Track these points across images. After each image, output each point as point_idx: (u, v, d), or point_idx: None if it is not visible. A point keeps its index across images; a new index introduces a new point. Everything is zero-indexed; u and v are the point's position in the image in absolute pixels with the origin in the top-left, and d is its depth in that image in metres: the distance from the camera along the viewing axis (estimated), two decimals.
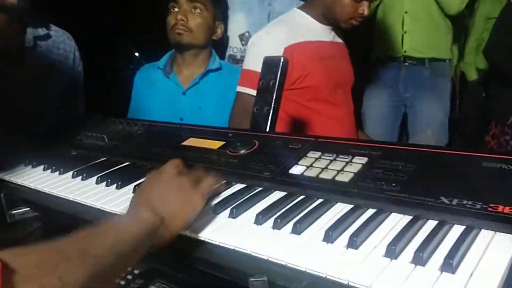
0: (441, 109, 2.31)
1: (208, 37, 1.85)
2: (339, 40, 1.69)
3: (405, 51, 2.28)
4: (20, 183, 0.94)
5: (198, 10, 1.74)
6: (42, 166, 0.99)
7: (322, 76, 1.55)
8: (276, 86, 1.04)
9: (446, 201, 0.59)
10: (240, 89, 1.55)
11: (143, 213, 0.61)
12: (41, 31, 1.37)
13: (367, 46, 2.44)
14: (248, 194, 0.73)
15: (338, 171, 0.72)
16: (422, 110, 2.30)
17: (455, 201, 0.58)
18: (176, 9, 1.74)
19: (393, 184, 0.65)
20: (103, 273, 0.49)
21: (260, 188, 0.75)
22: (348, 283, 0.50)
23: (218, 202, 0.71)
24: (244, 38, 2.10)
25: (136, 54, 3.38)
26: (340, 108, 1.64)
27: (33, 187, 0.91)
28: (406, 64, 2.29)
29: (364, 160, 0.73)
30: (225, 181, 0.78)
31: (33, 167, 1.00)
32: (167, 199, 0.65)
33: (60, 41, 1.44)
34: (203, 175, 0.73)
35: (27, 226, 1.18)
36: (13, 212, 0.96)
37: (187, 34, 1.75)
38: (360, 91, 2.33)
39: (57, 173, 0.94)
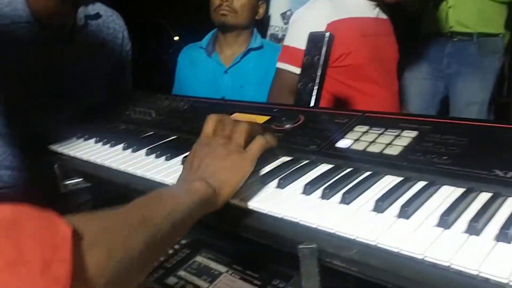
0: (483, 89, 2.21)
1: (252, 17, 1.85)
2: (384, 16, 1.65)
3: (450, 27, 2.21)
4: (73, 155, 0.99)
5: None
6: (93, 139, 1.03)
7: (365, 54, 1.52)
8: (321, 62, 1.03)
9: (500, 173, 0.57)
10: (280, 65, 1.55)
11: (195, 183, 0.62)
12: (92, 10, 1.40)
13: (414, 23, 2.36)
14: (294, 166, 0.74)
15: (387, 145, 0.71)
16: (463, 89, 2.22)
17: (510, 174, 0.57)
18: None
19: (444, 157, 0.64)
20: (160, 240, 0.50)
21: (307, 161, 0.76)
22: (399, 252, 0.50)
23: (265, 173, 0.72)
24: (286, 17, 2.09)
25: (176, 38, 3.43)
26: (384, 88, 1.60)
27: (85, 159, 0.95)
28: (455, 39, 2.21)
29: (414, 134, 0.72)
30: (275, 137, 0.78)
31: (85, 140, 1.05)
32: (216, 168, 0.66)
33: (110, 21, 1.47)
34: (244, 131, 0.72)
35: (79, 197, 1.24)
36: (66, 182, 1.01)
37: (232, 15, 1.76)
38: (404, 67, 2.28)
39: (108, 145, 0.98)
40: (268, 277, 0.84)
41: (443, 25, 2.22)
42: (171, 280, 0.88)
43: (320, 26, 1.46)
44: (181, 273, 0.90)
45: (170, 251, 0.97)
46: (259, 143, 0.71)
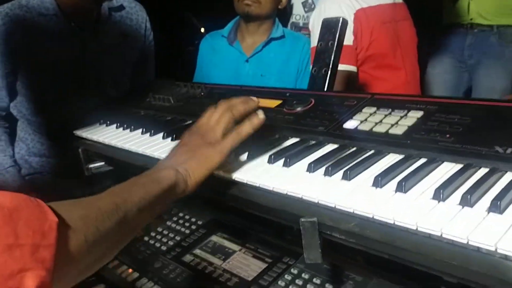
0: (504, 78, 2.19)
1: (275, 7, 1.86)
2: (399, 1, 1.64)
3: (471, 18, 2.21)
4: (96, 139, 1.04)
5: None
6: (115, 125, 1.08)
7: (386, 41, 1.52)
8: (335, 47, 1.04)
9: (500, 150, 0.58)
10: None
11: (165, 171, 0.67)
12: (115, 2, 1.45)
13: (435, 15, 2.35)
14: (302, 147, 0.76)
15: (392, 125, 0.72)
16: (486, 79, 2.22)
17: (509, 150, 0.57)
18: None
19: (447, 135, 0.65)
20: (129, 224, 0.58)
21: (314, 142, 0.78)
22: (394, 223, 0.52)
23: (273, 153, 0.74)
24: (307, 5, 2.09)
25: (202, 29, 3.46)
26: (405, 72, 1.60)
27: (107, 143, 1.00)
28: (475, 30, 2.21)
29: (419, 114, 0.73)
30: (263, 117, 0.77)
31: (107, 125, 1.09)
32: (187, 158, 0.70)
33: (133, 12, 1.52)
34: (231, 121, 0.75)
35: (102, 181, 1.29)
36: (90, 166, 1.06)
37: (256, 5, 1.77)
38: (427, 60, 2.28)
39: (128, 130, 1.03)
40: (279, 255, 0.87)
41: (463, 16, 2.23)
42: (188, 257, 0.92)
43: (346, 15, 1.48)
44: (197, 251, 0.94)
45: (187, 231, 1.01)
46: (232, 138, 0.73)
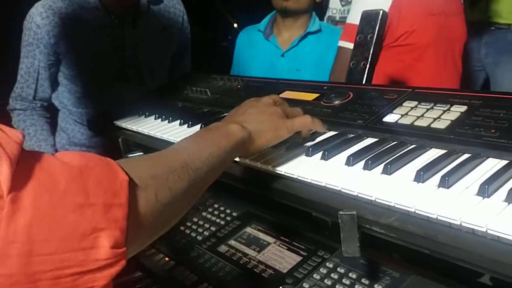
0: None
1: (312, 1, 1.85)
2: None
3: (489, 17, 2.18)
4: (135, 130, 1.06)
5: None
6: (153, 116, 1.10)
7: (431, 33, 1.47)
8: (374, 41, 1.03)
9: None
10: (342, 43, 1.54)
11: (233, 126, 0.65)
12: None
13: None
14: (340, 140, 0.76)
15: (435, 119, 0.71)
16: (503, 78, 2.18)
17: None
18: None
19: (492, 131, 0.63)
20: (199, 182, 0.56)
21: (352, 135, 0.77)
22: (437, 217, 0.51)
23: (311, 146, 0.74)
24: None
25: (235, 25, 3.47)
26: (445, 68, 1.56)
27: (146, 133, 1.02)
28: (492, 29, 2.18)
29: (463, 108, 0.71)
30: (326, 126, 0.79)
31: (146, 116, 1.12)
32: (258, 119, 0.70)
33: (171, 5, 1.54)
34: (300, 113, 0.77)
35: None
36: (129, 155, 1.08)
37: (293, 1, 1.76)
38: None
39: (166, 121, 1.04)
40: (314, 248, 0.87)
41: (480, 15, 2.19)
42: (223, 248, 0.93)
43: (384, 3, 1.44)
44: (232, 242, 0.94)
45: (222, 222, 1.02)
46: (303, 119, 0.73)
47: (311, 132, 0.79)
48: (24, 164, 0.37)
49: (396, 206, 0.55)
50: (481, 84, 2.32)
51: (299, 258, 0.85)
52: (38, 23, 1.35)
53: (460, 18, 1.60)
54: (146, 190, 0.46)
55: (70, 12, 1.37)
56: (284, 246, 0.90)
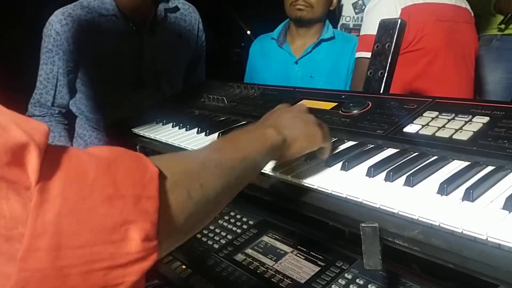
0: None
1: (327, 9, 1.85)
2: (463, 5, 1.59)
3: None
4: (153, 137, 1.06)
5: None
6: (171, 124, 1.10)
7: (440, 38, 1.48)
8: (392, 49, 1.02)
9: None
10: (359, 54, 1.55)
11: (269, 130, 0.64)
12: (171, 4, 1.49)
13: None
14: (360, 150, 0.75)
15: (456, 130, 0.70)
16: None
17: None
18: None
19: None
20: (233, 182, 0.53)
21: (372, 145, 0.77)
22: (462, 231, 0.50)
23: (330, 156, 0.74)
24: (357, 6, 2.06)
25: (248, 32, 3.49)
26: (457, 73, 1.55)
27: (164, 141, 1.03)
28: None
29: (485, 119, 0.70)
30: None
31: (164, 124, 1.12)
32: (293, 124, 0.68)
33: (187, 13, 1.56)
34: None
35: None
36: None
37: (308, 10, 1.76)
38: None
39: (184, 129, 1.05)
40: (332, 259, 0.86)
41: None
42: (239, 257, 0.93)
43: (394, 10, 1.46)
44: (249, 251, 0.95)
45: (239, 231, 1.02)
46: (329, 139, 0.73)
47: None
48: (52, 155, 0.36)
49: (420, 219, 0.54)
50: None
51: (317, 268, 0.85)
52: (58, 30, 1.37)
53: (469, 26, 1.61)
54: (177, 185, 0.44)
55: (89, 19, 1.39)
56: (301, 256, 0.90)
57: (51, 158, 0.35)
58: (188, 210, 0.45)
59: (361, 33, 1.60)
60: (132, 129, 1.14)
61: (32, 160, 0.33)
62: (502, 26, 2.16)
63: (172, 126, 1.09)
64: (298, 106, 0.74)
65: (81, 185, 0.36)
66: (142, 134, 1.11)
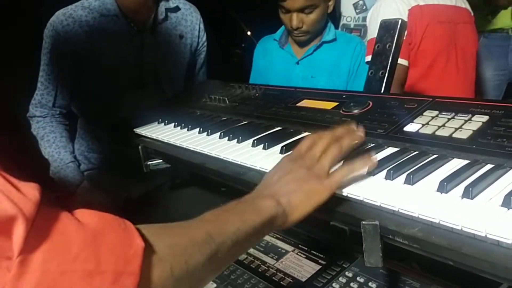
0: None
1: (324, 21, 1.85)
2: (463, 5, 1.60)
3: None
4: (155, 137, 1.07)
5: (311, 13, 1.67)
6: (173, 124, 1.11)
7: (441, 40, 1.50)
8: (393, 49, 1.03)
9: None
10: (368, 59, 1.57)
11: (266, 202, 0.61)
12: (172, 4, 1.50)
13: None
14: (360, 149, 0.76)
15: (456, 129, 0.71)
16: None
17: None
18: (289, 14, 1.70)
19: None
20: (220, 257, 0.51)
21: (373, 144, 0.77)
22: (461, 229, 0.51)
23: None
24: (358, 6, 2.07)
25: (249, 33, 3.50)
26: (457, 74, 1.56)
27: (166, 141, 1.03)
28: None
29: (484, 118, 0.71)
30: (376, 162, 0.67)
31: (165, 124, 1.13)
32: (292, 190, 0.63)
33: (188, 13, 1.56)
34: (340, 155, 0.68)
35: (158, 179, 1.33)
36: (148, 163, 1.09)
37: (306, 35, 1.77)
38: None
39: (185, 129, 1.05)
40: (333, 257, 0.87)
41: (505, 22, 2.18)
42: (241, 256, 0.93)
43: (397, 14, 1.47)
44: (250, 249, 0.95)
45: None
46: (342, 174, 0.65)
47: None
48: (39, 224, 0.36)
49: (420, 216, 0.55)
50: (505, 90, 2.30)
51: (318, 267, 0.85)
52: (59, 31, 1.37)
53: (470, 27, 1.62)
54: (161, 261, 0.44)
55: (90, 20, 1.39)
56: (302, 255, 0.90)
57: (38, 228, 0.36)
58: (169, 286, 0.44)
59: (369, 38, 1.61)
60: (134, 129, 1.14)
61: (18, 232, 0.34)
62: (489, 16, 2.18)
63: (174, 126, 1.10)
64: (300, 159, 0.68)
65: (63, 258, 0.37)
66: (144, 134, 1.11)
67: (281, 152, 0.81)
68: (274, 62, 1.93)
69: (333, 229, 0.94)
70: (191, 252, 0.47)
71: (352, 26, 2.12)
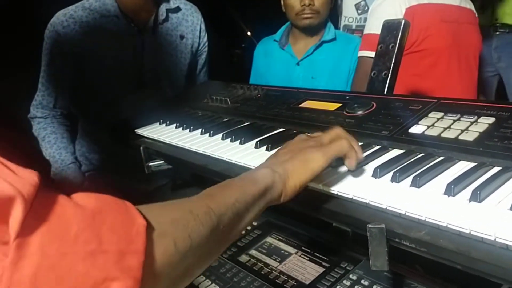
0: None
1: (329, 11, 1.85)
2: (467, 6, 1.60)
3: (496, 19, 2.16)
4: (157, 138, 1.06)
5: None
6: (174, 124, 1.10)
7: (444, 39, 1.49)
8: (396, 50, 1.03)
9: None
10: (362, 53, 1.55)
11: (261, 170, 0.62)
12: (172, 4, 1.49)
13: None
14: (365, 151, 0.75)
15: (462, 131, 0.70)
16: None
17: None
18: None
19: None
20: (222, 230, 0.51)
21: (378, 146, 0.77)
22: (470, 232, 0.50)
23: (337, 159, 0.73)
24: (360, 7, 2.06)
25: (249, 33, 3.50)
26: (460, 74, 1.56)
27: (167, 142, 1.03)
28: (497, 33, 2.17)
29: (491, 120, 0.70)
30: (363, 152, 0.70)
31: (167, 125, 1.12)
32: (287, 158, 0.65)
33: (189, 13, 1.56)
34: (341, 133, 0.70)
35: (159, 180, 1.33)
36: (150, 164, 1.09)
37: (316, 16, 1.76)
38: None
39: (187, 130, 1.05)
40: (336, 259, 0.86)
41: (487, 20, 2.18)
42: (243, 258, 0.93)
43: (399, 11, 1.46)
44: (253, 252, 0.94)
45: (243, 232, 1.02)
46: (340, 144, 0.66)
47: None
48: (37, 207, 0.35)
49: (427, 220, 0.54)
50: (496, 88, 2.30)
51: (321, 270, 0.85)
52: (60, 32, 1.37)
53: (474, 28, 1.61)
54: (164, 236, 0.43)
55: (91, 20, 1.39)
56: (305, 257, 0.90)
57: (37, 210, 0.35)
58: (175, 262, 0.44)
59: (365, 32, 1.60)
60: (135, 130, 1.14)
61: (16, 215, 0.33)
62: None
63: (176, 127, 1.09)
64: (299, 136, 0.71)
65: (62, 240, 0.35)
66: (145, 135, 1.11)
67: None
68: (274, 63, 1.92)
69: (336, 231, 0.94)
70: (193, 225, 0.47)
71: (354, 27, 2.12)
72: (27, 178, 0.35)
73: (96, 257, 0.36)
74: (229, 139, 0.93)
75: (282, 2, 1.85)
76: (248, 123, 1.02)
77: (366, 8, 2.06)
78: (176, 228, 0.45)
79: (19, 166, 0.36)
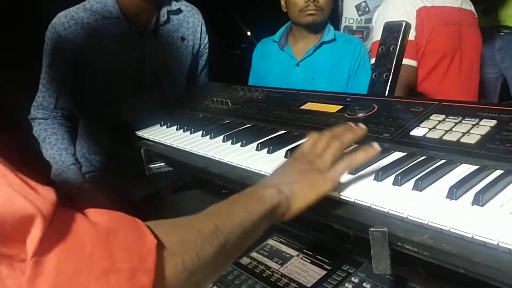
0: None
1: (331, 10, 1.85)
2: (468, 7, 1.60)
3: (498, 21, 2.16)
4: (157, 140, 1.06)
5: None
6: (175, 126, 1.10)
7: (445, 42, 1.49)
8: (397, 52, 1.02)
9: None
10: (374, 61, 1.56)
11: (268, 190, 0.62)
12: (174, 6, 1.49)
13: None
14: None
15: (464, 133, 0.70)
16: None
17: None
18: None
19: None
20: (229, 248, 0.52)
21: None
22: (472, 236, 0.50)
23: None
24: (361, 8, 2.06)
25: (248, 33, 3.50)
26: (461, 78, 1.56)
27: (168, 144, 1.02)
28: (502, 34, 2.18)
29: (492, 123, 0.70)
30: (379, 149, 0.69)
31: (168, 127, 1.12)
32: (294, 180, 0.65)
33: (190, 15, 1.55)
34: (342, 150, 0.69)
35: (160, 182, 1.32)
36: (151, 166, 1.08)
37: (319, 13, 1.76)
38: None
39: (188, 132, 1.05)
40: (338, 262, 0.86)
41: (490, 22, 2.18)
42: (245, 260, 0.93)
43: (410, 14, 1.47)
44: (254, 254, 0.94)
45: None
46: (344, 165, 0.67)
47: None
48: (54, 225, 0.36)
49: (430, 223, 0.54)
50: (500, 89, 2.30)
51: (323, 272, 0.85)
52: (61, 33, 1.37)
53: (474, 29, 1.61)
54: (174, 256, 0.45)
55: (92, 22, 1.38)
56: (307, 260, 0.90)
57: (54, 228, 0.36)
58: (183, 280, 0.45)
59: (374, 40, 1.61)
60: (136, 132, 1.13)
61: (35, 233, 0.34)
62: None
63: (177, 129, 1.09)
64: (302, 156, 0.70)
65: (77, 258, 0.37)
66: (146, 137, 1.10)
67: (286, 156, 0.81)
68: (274, 64, 1.92)
69: (337, 233, 0.94)
70: (201, 245, 0.48)
71: (354, 28, 2.11)
72: (46, 196, 0.36)
73: (109, 275, 0.37)
74: (230, 141, 0.93)
75: (282, 2, 1.84)
76: (249, 125, 1.02)
77: (367, 9, 2.06)
78: (185, 247, 0.47)
79: (37, 183, 0.37)
